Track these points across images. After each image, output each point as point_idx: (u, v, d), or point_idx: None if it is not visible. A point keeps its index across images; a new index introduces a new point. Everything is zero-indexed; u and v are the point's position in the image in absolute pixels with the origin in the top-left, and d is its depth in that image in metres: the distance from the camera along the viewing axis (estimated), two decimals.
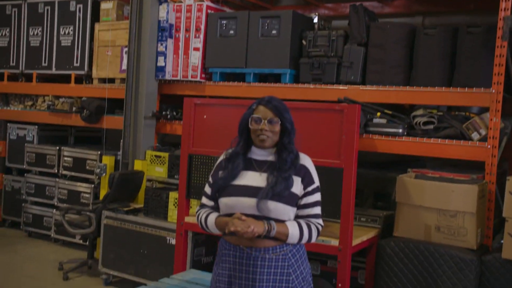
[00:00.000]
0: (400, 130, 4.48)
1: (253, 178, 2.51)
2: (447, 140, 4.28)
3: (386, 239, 4.01)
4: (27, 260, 5.81)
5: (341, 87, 4.83)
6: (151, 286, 3.45)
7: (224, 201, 2.51)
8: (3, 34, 7.17)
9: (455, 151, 4.27)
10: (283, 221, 2.45)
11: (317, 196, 2.55)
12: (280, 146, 2.52)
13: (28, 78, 7.02)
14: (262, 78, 5.42)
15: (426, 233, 3.88)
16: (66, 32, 6.57)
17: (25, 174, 6.84)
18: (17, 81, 7.12)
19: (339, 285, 3.67)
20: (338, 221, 3.72)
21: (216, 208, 2.61)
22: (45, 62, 6.76)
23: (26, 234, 6.82)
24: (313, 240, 2.52)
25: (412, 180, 3.97)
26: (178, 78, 5.61)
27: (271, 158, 2.54)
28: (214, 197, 2.59)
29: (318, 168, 3.78)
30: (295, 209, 2.49)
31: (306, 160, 2.57)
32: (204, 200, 2.67)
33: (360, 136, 4.52)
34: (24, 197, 6.80)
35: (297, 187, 2.48)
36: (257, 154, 2.57)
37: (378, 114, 4.59)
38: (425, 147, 4.37)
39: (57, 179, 6.48)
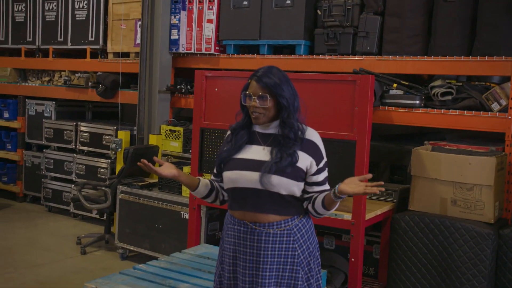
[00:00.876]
0: (417, 102, 4.36)
1: (257, 152, 2.44)
2: (465, 111, 4.15)
3: (401, 213, 3.92)
4: (47, 234, 5.89)
5: (356, 58, 4.71)
6: (162, 260, 3.45)
7: (227, 174, 2.46)
8: (19, 9, 7.17)
9: (474, 122, 4.13)
10: (286, 195, 2.39)
11: (327, 171, 2.49)
12: (280, 121, 2.43)
13: (45, 53, 7.02)
14: (276, 50, 5.31)
15: (441, 207, 3.79)
16: (81, 6, 6.52)
17: (44, 150, 6.90)
18: (34, 57, 7.14)
19: (352, 259, 3.62)
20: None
21: (220, 182, 2.57)
22: (60, 37, 6.75)
23: (47, 209, 6.90)
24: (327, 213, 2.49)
25: (428, 152, 3.87)
26: (192, 51, 5.54)
27: (275, 131, 2.46)
28: (219, 172, 2.54)
29: (330, 141, 3.73)
30: (300, 184, 2.40)
31: (314, 135, 2.47)
32: (212, 177, 2.64)
33: (376, 108, 4.42)
34: (43, 172, 6.87)
35: (303, 162, 2.39)
36: (260, 127, 2.49)
37: (395, 85, 4.47)
38: (442, 119, 4.25)
39: (74, 155, 6.51)
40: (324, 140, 3.72)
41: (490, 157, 3.61)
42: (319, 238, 4.57)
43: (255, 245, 2.40)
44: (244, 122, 2.49)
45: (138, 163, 2.57)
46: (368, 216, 3.72)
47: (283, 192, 2.37)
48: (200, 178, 2.63)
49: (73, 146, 6.56)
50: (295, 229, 2.42)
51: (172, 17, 5.60)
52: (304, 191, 2.44)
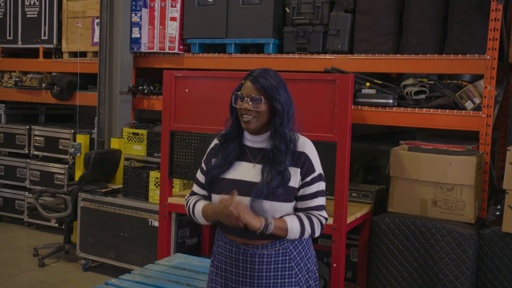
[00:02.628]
0: (391, 101, 4.29)
1: (247, 171, 2.23)
2: (439, 110, 4.11)
3: (380, 215, 3.84)
4: (0, 247, 5.51)
5: (328, 56, 4.60)
6: (136, 273, 3.22)
7: (215, 199, 2.24)
8: None
9: (448, 121, 4.10)
10: (280, 217, 2.21)
11: (318, 186, 2.25)
12: (272, 129, 2.23)
13: None
14: (244, 48, 5.14)
15: (422, 208, 3.72)
16: (32, 2, 6.15)
17: None
18: None
19: (334, 265, 3.49)
20: (332, 198, 3.52)
21: (208, 198, 2.34)
22: (10, 36, 6.35)
23: None
24: (317, 234, 2.26)
25: (407, 153, 3.79)
26: (155, 50, 5.30)
27: (265, 145, 2.26)
28: (206, 187, 2.32)
29: None
30: (294, 203, 2.23)
31: (306, 146, 2.27)
32: (196, 188, 2.40)
33: None
34: None
35: (295, 179, 2.20)
36: (250, 140, 2.28)
37: (367, 84, 4.38)
38: (416, 118, 4.19)
39: (28, 160, 6.14)
40: None
41: (471, 157, 3.57)
42: None
43: (248, 266, 2.21)
44: (233, 130, 2.29)
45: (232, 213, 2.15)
46: (349, 219, 3.60)
47: (276, 216, 2.19)
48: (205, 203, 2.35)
49: (26, 151, 6.18)
50: (291, 247, 2.24)
51: (133, 14, 5.34)
52: (295, 209, 2.26)
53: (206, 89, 3.88)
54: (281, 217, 2.20)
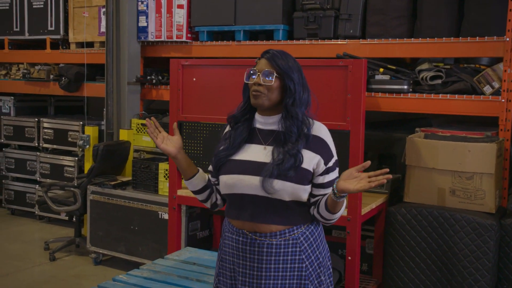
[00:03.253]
0: (405, 87, 4.14)
1: (257, 152, 2.14)
2: (456, 96, 3.95)
3: (396, 205, 3.71)
4: (10, 240, 5.47)
5: (339, 42, 4.46)
6: (144, 269, 3.14)
7: (223, 179, 2.15)
8: None
9: (466, 107, 3.94)
10: (290, 202, 2.10)
11: (337, 171, 2.18)
12: (284, 110, 2.14)
13: (0, 45, 6.53)
14: (253, 35, 5.01)
15: (439, 198, 3.58)
16: None
17: (3, 149, 6.44)
18: None
19: (349, 258, 3.38)
20: None
21: (216, 184, 2.27)
22: (16, 27, 6.28)
23: (9, 212, 6.46)
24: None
25: (424, 140, 3.65)
26: (162, 39, 5.19)
27: (276, 127, 2.17)
28: (216, 173, 2.23)
29: None
30: (307, 187, 2.11)
31: (321, 130, 2.18)
32: (208, 176, 2.33)
33: None
34: (4, 173, 6.42)
35: (309, 162, 2.10)
36: (261, 122, 2.19)
37: (381, 70, 4.23)
38: (432, 104, 4.04)
39: (38, 153, 6.09)
40: None
41: (491, 144, 3.42)
42: None
43: (256, 257, 2.11)
44: (244, 112, 2.19)
45: (146, 120, 2.31)
46: (364, 210, 3.48)
47: (287, 198, 2.08)
48: (200, 169, 2.31)
49: (36, 144, 6.12)
50: (301, 238, 2.13)
51: (139, 3, 5.23)
52: (311, 195, 2.15)
53: (214, 77, 3.76)
54: (290, 202, 2.09)
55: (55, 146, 5.99)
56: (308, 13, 4.58)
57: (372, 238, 4.01)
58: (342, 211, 2.15)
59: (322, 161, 2.11)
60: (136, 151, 5.18)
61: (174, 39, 5.12)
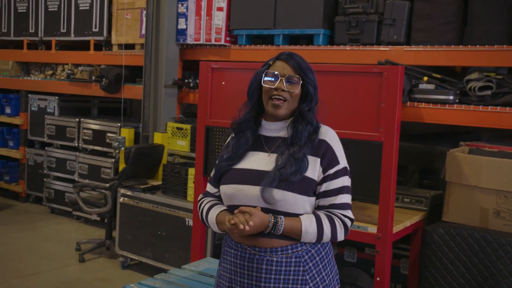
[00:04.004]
0: (451, 97, 3.85)
1: (260, 160, 1.97)
2: (507, 108, 3.63)
3: (434, 224, 3.43)
4: (46, 239, 5.49)
5: (382, 48, 4.22)
6: (158, 279, 3.00)
7: (222, 189, 1.99)
8: None
9: None
10: (296, 215, 1.91)
11: (343, 181, 1.96)
12: (297, 115, 1.96)
13: (48, 45, 6.63)
14: (293, 40, 4.84)
15: (482, 219, 3.28)
16: None
17: (46, 148, 6.52)
18: (37, 49, 6.75)
19: (377, 279, 3.13)
20: (377, 203, 3.16)
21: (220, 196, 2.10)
22: (63, 28, 6.35)
23: (49, 211, 6.52)
24: (339, 238, 1.96)
25: (466, 156, 3.36)
26: (201, 42, 5.08)
27: (283, 133, 1.99)
28: (216, 184, 2.07)
29: (352, 142, 3.24)
30: (312, 199, 1.93)
31: (328, 134, 1.99)
32: (208, 186, 2.16)
33: (404, 105, 3.93)
34: (45, 171, 6.49)
35: (313, 170, 1.92)
36: (268, 129, 2.02)
37: (425, 78, 3.96)
38: (480, 116, 3.73)
39: (77, 153, 6.11)
40: (346, 142, 3.22)
41: None
42: (339, 249, 4.09)
43: (254, 274, 1.92)
44: (250, 118, 2.03)
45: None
46: (396, 228, 3.22)
47: (290, 210, 1.89)
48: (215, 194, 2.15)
49: (76, 144, 6.16)
50: (306, 257, 1.93)
51: (179, 5, 5.15)
52: (316, 206, 1.96)
53: (243, 81, 3.58)
54: (296, 215, 1.90)
55: (93, 147, 5.99)
56: (350, 18, 4.37)
57: (407, 258, 3.74)
58: (309, 234, 1.91)
59: (321, 168, 1.92)
60: (170, 155, 5.09)
61: (213, 42, 5.00)
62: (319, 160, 1.93)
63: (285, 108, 1.95)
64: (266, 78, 1.96)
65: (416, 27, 4.12)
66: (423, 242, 3.43)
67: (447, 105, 3.83)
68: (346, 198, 1.97)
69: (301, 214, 1.91)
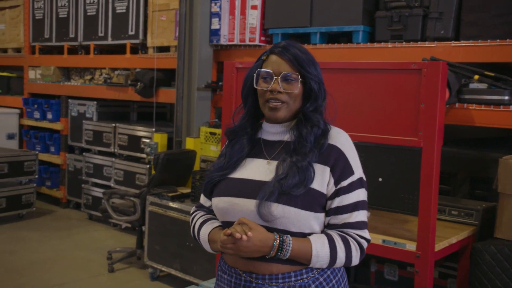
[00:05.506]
0: (506, 97, 3.43)
1: (257, 169, 1.68)
2: None
3: (485, 241, 3.02)
4: (80, 247, 5.37)
5: (427, 44, 3.84)
6: None
7: (214, 202, 1.72)
8: (63, 4, 6.76)
9: None
10: (301, 235, 1.61)
11: (358, 195, 1.65)
12: (300, 117, 1.67)
13: (87, 50, 6.57)
14: (332, 38, 4.51)
15: None
16: None
17: (84, 153, 6.44)
18: (76, 54, 6.71)
19: None
20: (416, 216, 2.80)
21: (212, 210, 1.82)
22: (101, 32, 6.26)
23: (87, 217, 6.44)
24: (354, 262, 1.64)
25: None
26: (235, 42, 4.84)
27: (287, 137, 1.69)
28: (210, 195, 1.80)
29: (387, 148, 2.89)
30: (320, 215, 1.62)
31: (339, 138, 1.68)
32: (202, 199, 1.89)
33: (452, 106, 3.54)
34: (84, 177, 6.41)
35: (321, 181, 1.61)
36: (268, 132, 1.74)
37: (476, 77, 3.55)
38: None
39: (113, 159, 5.99)
40: (380, 147, 2.89)
41: None
42: (379, 266, 3.73)
43: None
44: (246, 124, 1.74)
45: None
46: (440, 246, 2.85)
47: (292, 229, 1.59)
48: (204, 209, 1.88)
49: (112, 150, 6.04)
50: (312, 286, 1.62)
51: (213, 4, 4.92)
52: (326, 225, 1.66)
53: None
54: (300, 234, 1.60)
55: (128, 153, 5.86)
56: (393, 12, 4.01)
57: (455, 278, 3.34)
58: (320, 258, 1.60)
59: (332, 179, 1.61)
60: (203, 161, 4.85)
61: (247, 42, 4.75)
62: (328, 169, 1.62)
63: (284, 110, 1.66)
64: (259, 79, 1.67)
65: (466, 21, 3.72)
66: (472, 261, 3.04)
67: (501, 106, 3.41)
68: (362, 215, 1.66)
69: (306, 234, 1.60)
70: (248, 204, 1.61)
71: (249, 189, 1.63)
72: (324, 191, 1.62)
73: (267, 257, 1.57)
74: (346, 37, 4.40)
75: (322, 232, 1.63)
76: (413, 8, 3.93)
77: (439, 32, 3.81)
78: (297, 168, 1.57)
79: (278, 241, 1.56)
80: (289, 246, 1.56)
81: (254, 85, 1.69)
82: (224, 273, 1.73)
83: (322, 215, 1.62)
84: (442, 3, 3.80)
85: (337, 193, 1.62)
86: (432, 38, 3.83)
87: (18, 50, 7.53)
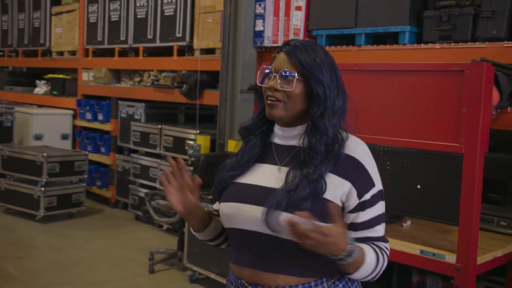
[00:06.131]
0: None
1: (268, 175, 1.59)
2: None
3: None
4: (124, 246, 5.44)
5: (477, 45, 3.64)
6: None
7: (221, 208, 1.65)
8: (115, 7, 6.90)
9: None
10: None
11: (380, 207, 1.56)
12: (309, 122, 1.57)
13: (137, 52, 6.67)
14: (378, 39, 4.37)
15: None
16: (170, 0, 6.05)
17: (131, 154, 6.54)
18: (126, 56, 6.82)
19: None
20: (457, 226, 2.64)
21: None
22: (150, 35, 6.34)
23: (134, 217, 6.53)
24: (376, 277, 1.54)
25: None
26: (279, 44, 4.76)
27: (298, 141, 1.60)
28: (218, 199, 1.73)
29: (426, 154, 2.74)
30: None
31: (358, 148, 1.57)
32: (213, 206, 1.83)
33: (504, 110, 3.33)
34: (131, 178, 6.50)
35: (336, 191, 1.51)
36: (280, 135, 1.65)
37: None
38: None
39: (159, 160, 6.04)
40: (419, 153, 2.76)
41: None
42: (421, 277, 3.56)
43: None
44: (259, 122, 1.67)
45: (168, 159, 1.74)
46: (483, 258, 2.67)
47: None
48: (214, 213, 1.78)
49: (158, 151, 6.09)
50: None
51: (257, 5, 4.87)
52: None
53: None
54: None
55: (174, 154, 5.88)
56: (441, 12, 3.83)
57: None
58: (368, 267, 1.49)
59: (354, 191, 1.51)
60: None
61: None
62: (347, 182, 1.52)
63: (281, 109, 1.56)
64: (260, 76, 1.61)
65: None
66: None
67: None
68: (384, 228, 1.58)
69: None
70: (255, 211, 1.53)
71: (257, 195, 1.56)
72: (338, 202, 1.52)
73: (333, 257, 1.44)
74: (392, 38, 4.25)
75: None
76: (463, 7, 3.74)
77: (491, 32, 3.61)
78: (308, 180, 1.48)
79: (353, 247, 1.43)
80: (356, 254, 1.44)
81: (257, 82, 1.63)
82: (231, 284, 1.67)
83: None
84: (494, 1, 3.60)
85: (362, 207, 1.53)
86: (483, 39, 3.63)
87: (73, 53, 7.75)
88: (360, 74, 3.01)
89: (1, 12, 9.32)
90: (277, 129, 1.65)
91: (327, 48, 4.48)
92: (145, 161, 6.26)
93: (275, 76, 1.55)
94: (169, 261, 4.90)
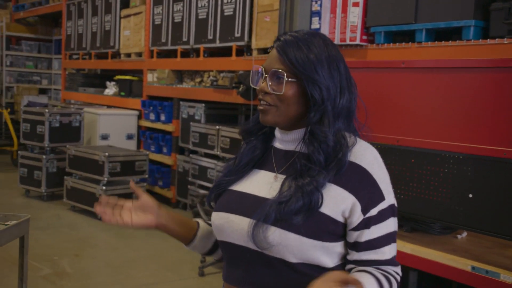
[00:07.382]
0: None
1: (263, 183, 1.43)
2: None
3: None
4: (178, 248, 5.38)
5: None
6: None
7: (212, 218, 1.49)
8: (178, 9, 6.93)
9: None
10: (300, 265, 1.32)
11: (390, 225, 1.35)
12: (307, 128, 1.39)
13: (198, 53, 6.66)
14: (440, 35, 4.06)
15: None
16: (229, 0, 5.98)
17: (190, 155, 6.53)
18: (188, 57, 6.83)
19: None
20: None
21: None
22: (210, 35, 6.30)
23: (193, 217, 6.50)
24: None
25: None
26: (335, 42, 4.55)
27: (299, 147, 1.41)
28: (215, 202, 1.57)
29: (479, 160, 2.47)
30: (330, 245, 1.33)
31: (365, 156, 1.36)
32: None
33: None
34: (190, 179, 6.49)
35: (335, 205, 1.32)
36: (279, 139, 1.48)
37: None
38: None
39: (216, 161, 5.98)
40: (469, 159, 2.51)
41: None
42: None
43: None
44: (259, 124, 1.51)
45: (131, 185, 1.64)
46: None
47: (293, 260, 1.32)
48: (200, 222, 1.61)
49: (216, 152, 6.03)
50: None
51: (313, 2, 4.68)
52: (344, 258, 1.37)
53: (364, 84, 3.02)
54: (305, 267, 1.32)
55: (230, 155, 5.80)
56: (511, 4, 3.49)
57: None
58: None
59: (358, 206, 1.31)
60: None
61: (348, 42, 4.44)
62: (350, 194, 1.33)
63: (273, 114, 1.39)
64: (256, 80, 1.44)
65: None
66: None
67: None
68: (394, 250, 1.37)
69: (311, 266, 1.32)
70: (244, 224, 1.37)
71: (248, 205, 1.39)
72: (339, 218, 1.33)
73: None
74: (456, 34, 3.93)
75: (337, 265, 1.35)
76: None
77: None
78: (302, 192, 1.30)
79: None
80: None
81: (250, 83, 1.46)
82: None
83: (333, 245, 1.33)
84: None
85: (367, 223, 1.33)
86: None
87: (139, 54, 7.87)
88: (408, 72, 2.77)
89: (77, 16, 9.66)
90: (277, 132, 1.49)
91: (385, 45, 4.23)
92: (203, 162, 6.22)
93: (265, 77, 1.39)
94: (220, 264, 4.81)
